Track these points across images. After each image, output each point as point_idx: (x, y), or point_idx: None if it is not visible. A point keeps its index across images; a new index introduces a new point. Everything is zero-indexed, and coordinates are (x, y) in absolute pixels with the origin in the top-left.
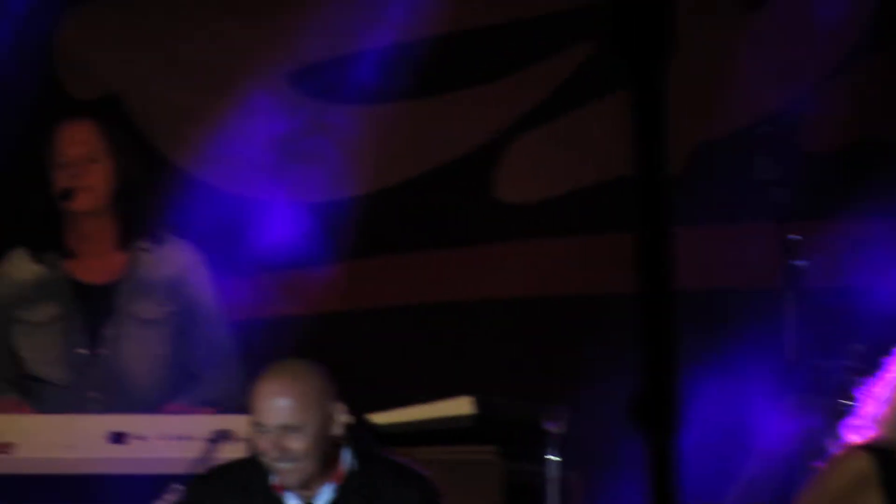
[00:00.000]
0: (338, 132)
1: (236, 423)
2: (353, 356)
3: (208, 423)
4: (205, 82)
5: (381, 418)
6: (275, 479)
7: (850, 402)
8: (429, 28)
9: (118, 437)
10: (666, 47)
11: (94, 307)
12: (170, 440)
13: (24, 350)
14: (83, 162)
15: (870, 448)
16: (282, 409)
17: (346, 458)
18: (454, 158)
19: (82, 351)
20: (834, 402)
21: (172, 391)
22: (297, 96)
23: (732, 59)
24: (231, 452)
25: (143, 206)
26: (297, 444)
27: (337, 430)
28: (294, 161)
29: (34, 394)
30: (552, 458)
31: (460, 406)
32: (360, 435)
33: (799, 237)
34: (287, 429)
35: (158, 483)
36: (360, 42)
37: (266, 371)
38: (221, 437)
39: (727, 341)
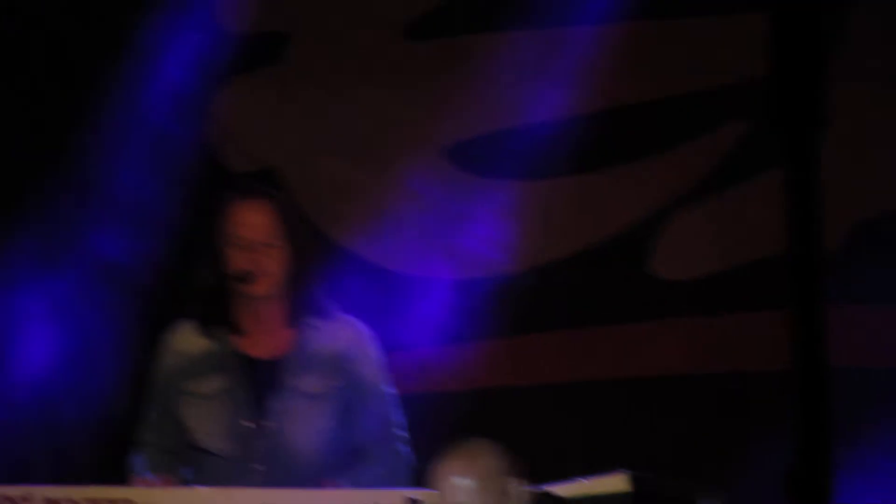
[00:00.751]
0: (494, 208)
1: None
2: (509, 432)
3: (361, 498)
4: (360, 157)
5: None
6: None
7: None
8: (585, 105)
9: None
10: (819, 124)
11: (260, 381)
12: None
13: (190, 421)
14: (261, 246)
15: None
16: (463, 489)
17: None
18: (610, 236)
19: (248, 423)
20: None
21: (337, 466)
22: (455, 171)
23: (891, 134)
24: None
25: (314, 284)
26: None
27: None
28: (451, 237)
29: (198, 466)
30: None
31: (616, 483)
32: None
33: None
34: None
35: None
36: (516, 117)
37: (445, 454)
38: None
39: (884, 420)
